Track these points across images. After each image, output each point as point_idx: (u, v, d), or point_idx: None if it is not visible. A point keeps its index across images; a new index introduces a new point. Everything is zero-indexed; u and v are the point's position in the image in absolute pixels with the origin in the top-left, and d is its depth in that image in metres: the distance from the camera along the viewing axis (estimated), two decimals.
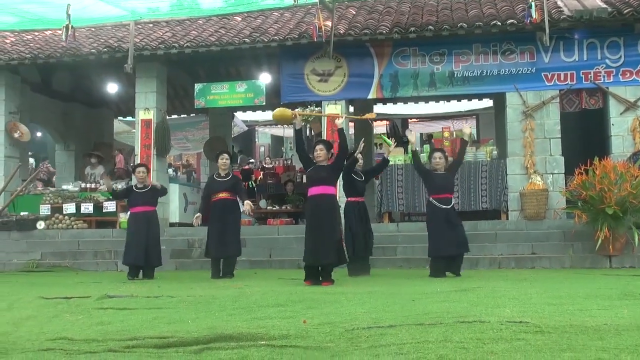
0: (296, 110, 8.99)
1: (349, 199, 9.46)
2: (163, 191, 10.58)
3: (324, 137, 11.97)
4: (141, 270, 9.95)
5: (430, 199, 8.89)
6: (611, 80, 11.75)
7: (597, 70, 11.78)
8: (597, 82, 11.77)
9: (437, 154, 9.11)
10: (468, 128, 10.21)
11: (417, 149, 10.47)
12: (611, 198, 10.02)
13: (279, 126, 23.51)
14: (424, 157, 12.61)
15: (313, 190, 7.90)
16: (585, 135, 13.33)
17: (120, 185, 12.58)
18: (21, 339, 4.28)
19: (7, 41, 14.31)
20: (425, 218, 9.34)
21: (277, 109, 8.93)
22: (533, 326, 3.94)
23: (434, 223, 8.85)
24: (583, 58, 11.84)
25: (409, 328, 4.04)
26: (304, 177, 14.56)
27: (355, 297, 6.05)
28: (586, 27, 11.57)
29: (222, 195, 9.58)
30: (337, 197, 8.42)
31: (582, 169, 10.55)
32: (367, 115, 10.91)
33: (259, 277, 9.43)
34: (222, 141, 16.38)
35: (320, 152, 7.96)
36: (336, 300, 5.81)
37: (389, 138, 18.09)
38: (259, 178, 17.20)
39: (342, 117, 8.58)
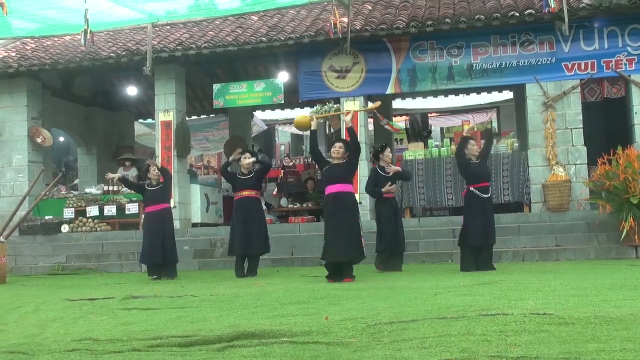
0: (311, 112, 8.97)
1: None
2: (168, 176, 10.40)
3: (343, 134, 11.94)
4: (160, 269, 10.01)
5: (471, 188, 8.84)
6: (633, 68, 11.55)
7: (619, 58, 11.61)
8: (618, 70, 11.60)
9: (472, 141, 9.09)
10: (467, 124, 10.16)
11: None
12: (636, 187, 9.88)
13: None
14: (444, 150, 12.58)
15: (331, 189, 7.89)
16: (607, 125, 13.16)
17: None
18: (47, 340, 4.34)
19: (28, 47, 14.49)
20: (463, 207, 9.27)
21: (297, 117, 8.94)
22: (557, 318, 3.91)
23: (471, 212, 8.82)
24: (604, 46, 11.66)
25: (431, 322, 4.03)
26: None
27: (377, 292, 6.05)
28: (606, 15, 11.39)
29: (246, 193, 9.65)
30: (357, 194, 8.40)
31: (605, 158, 10.43)
32: (371, 106, 10.80)
33: (281, 275, 9.47)
34: (242, 141, 16.44)
35: (339, 149, 7.96)
36: (358, 296, 5.82)
37: (408, 133, 17.99)
38: (279, 177, 17.27)
39: (349, 113, 8.36)
